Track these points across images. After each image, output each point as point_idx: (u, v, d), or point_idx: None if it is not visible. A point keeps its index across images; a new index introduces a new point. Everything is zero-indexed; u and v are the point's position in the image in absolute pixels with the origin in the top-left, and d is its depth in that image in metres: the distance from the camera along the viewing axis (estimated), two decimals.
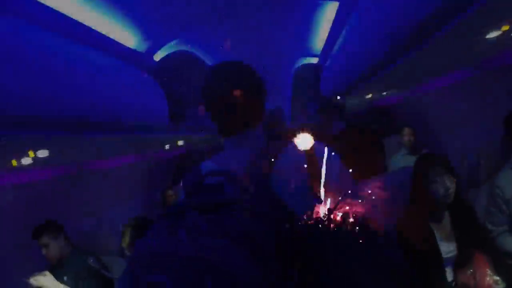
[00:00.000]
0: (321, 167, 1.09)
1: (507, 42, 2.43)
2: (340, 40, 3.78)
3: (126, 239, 2.10)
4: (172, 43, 3.77)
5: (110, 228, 4.12)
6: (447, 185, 1.86)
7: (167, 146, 4.97)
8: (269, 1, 3.42)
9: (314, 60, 5.34)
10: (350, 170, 1.19)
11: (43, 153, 2.76)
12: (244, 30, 3.85)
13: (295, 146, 1.12)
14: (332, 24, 3.93)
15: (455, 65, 2.98)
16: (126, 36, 3.57)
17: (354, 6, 3.24)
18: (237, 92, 1.15)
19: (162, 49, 3.90)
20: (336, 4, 3.41)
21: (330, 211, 0.94)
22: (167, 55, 4.00)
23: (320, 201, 1.02)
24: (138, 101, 3.35)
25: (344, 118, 2.93)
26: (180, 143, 5.06)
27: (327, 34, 4.38)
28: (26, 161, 2.56)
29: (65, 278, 2.43)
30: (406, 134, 3.93)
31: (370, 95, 3.78)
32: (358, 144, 2.52)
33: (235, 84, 1.17)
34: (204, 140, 5.73)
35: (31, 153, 2.58)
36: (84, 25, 3.09)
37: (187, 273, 0.74)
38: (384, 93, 3.76)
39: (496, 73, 2.76)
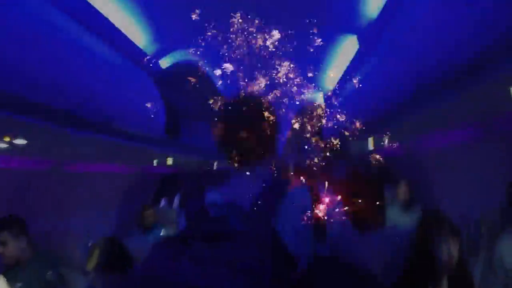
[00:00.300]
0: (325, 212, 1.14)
1: None
2: (352, 81, 3.70)
3: (92, 261, 1.83)
4: (182, 51, 3.52)
5: (78, 237, 3.85)
6: (452, 249, 1.75)
7: (155, 162, 4.70)
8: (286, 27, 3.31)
9: (321, 96, 5.26)
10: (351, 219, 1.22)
11: (21, 141, 2.48)
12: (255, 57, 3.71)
13: (302, 189, 1.18)
14: (350, 62, 3.85)
15: (467, 124, 2.93)
16: (136, 32, 3.30)
17: (372, 51, 3.18)
18: (254, 128, 1.19)
19: (170, 55, 3.64)
20: (355, 43, 3.31)
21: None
22: (174, 64, 3.70)
23: (324, 247, 1.10)
24: (134, 105, 3.04)
25: (347, 161, 2.79)
26: (170, 161, 4.78)
27: (341, 72, 4.27)
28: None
29: (18, 285, 2.11)
30: (403, 188, 3.83)
31: (373, 141, 3.68)
32: (362, 193, 2.43)
33: (254, 120, 1.21)
34: (195, 164, 5.48)
35: (6, 138, 2.31)
36: (93, 8, 2.76)
37: None
38: (388, 141, 3.66)
39: (508, 138, 2.73)
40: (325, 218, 1.14)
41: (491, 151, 2.86)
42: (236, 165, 1.23)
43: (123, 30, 3.03)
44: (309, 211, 1.11)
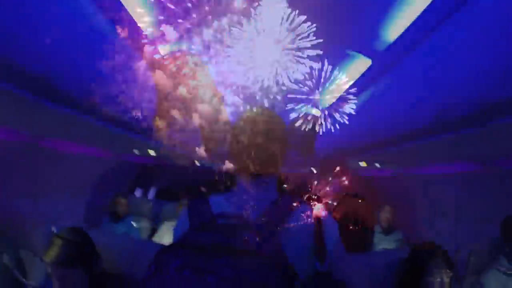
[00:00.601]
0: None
1: None
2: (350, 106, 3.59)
3: (52, 253, 1.60)
4: (180, 43, 3.22)
5: (43, 219, 3.61)
6: (444, 281, 1.70)
7: (136, 151, 4.44)
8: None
9: (316, 112, 5.08)
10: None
11: None
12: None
13: (306, 209, 1.20)
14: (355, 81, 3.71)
15: (460, 158, 2.88)
16: (140, 12, 2.80)
17: (380, 77, 3.06)
18: (269, 141, 1.25)
19: (171, 44, 3.33)
20: (368, 62, 3.17)
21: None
22: (172, 53, 3.38)
23: (323, 265, 1.14)
24: (122, 88, 2.77)
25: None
26: (151, 152, 4.53)
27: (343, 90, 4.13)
28: None
29: None
30: (387, 212, 3.75)
31: (363, 163, 3.58)
32: (356, 215, 2.36)
33: (269, 133, 1.26)
34: (177, 156, 5.24)
35: None
36: None
37: None
38: (378, 165, 3.57)
39: (500, 173, 2.68)
40: (325, 237, 1.18)
41: (484, 186, 2.82)
42: (246, 175, 1.26)
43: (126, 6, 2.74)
44: (311, 231, 1.16)
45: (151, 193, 7.38)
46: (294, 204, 1.20)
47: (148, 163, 6.09)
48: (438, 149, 2.78)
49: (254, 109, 1.34)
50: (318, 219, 1.20)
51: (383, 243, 3.84)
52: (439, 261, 1.72)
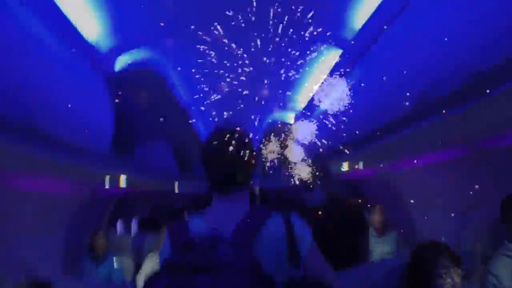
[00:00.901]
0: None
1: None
2: (327, 99, 3.45)
3: None
4: (140, 50, 2.96)
5: (10, 269, 3.29)
6: (455, 281, 1.57)
7: (106, 181, 4.13)
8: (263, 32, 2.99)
9: (291, 116, 4.90)
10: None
11: None
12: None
13: (278, 217, 1.25)
14: (327, 76, 3.56)
15: (447, 144, 2.75)
16: (89, 22, 2.59)
17: (355, 65, 2.94)
18: (235, 157, 1.29)
19: (128, 54, 3.04)
20: (338, 53, 3.04)
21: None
22: (130, 66, 3.06)
23: (298, 270, 1.19)
24: (77, 113, 2.44)
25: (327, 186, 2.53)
26: (122, 181, 4.23)
27: (315, 89, 3.98)
28: None
29: None
30: (377, 212, 3.60)
31: (346, 165, 3.42)
32: (342, 223, 2.19)
33: (234, 149, 1.30)
34: (152, 184, 4.94)
35: None
36: None
37: None
38: (361, 164, 3.42)
39: (488, 154, 2.58)
40: (297, 242, 1.22)
41: (475, 169, 2.70)
42: (218, 189, 1.34)
43: (70, 18, 2.43)
44: (284, 238, 1.21)
45: (134, 225, 6.98)
46: (267, 214, 1.25)
47: (124, 192, 5.76)
48: (422, 137, 2.65)
49: (219, 128, 1.41)
50: (289, 225, 1.24)
51: (378, 246, 3.67)
52: (446, 260, 1.59)
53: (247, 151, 1.34)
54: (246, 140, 1.36)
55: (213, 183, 1.35)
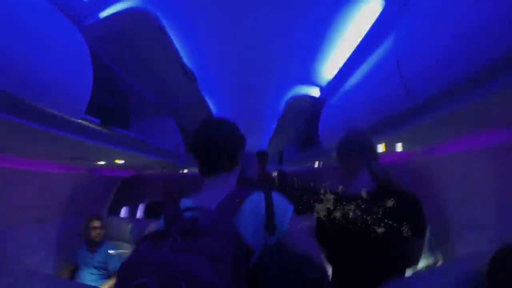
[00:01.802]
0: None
1: None
2: (357, 74, 2.88)
3: None
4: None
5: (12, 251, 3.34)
6: None
7: (101, 162, 3.67)
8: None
9: (315, 92, 4.27)
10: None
11: None
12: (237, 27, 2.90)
13: (258, 195, 1.42)
14: (353, 51, 2.96)
15: (486, 127, 2.21)
16: None
17: (385, 37, 2.37)
18: (220, 143, 1.50)
19: (116, 5, 2.47)
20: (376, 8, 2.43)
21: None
22: (117, 14, 2.43)
23: (272, 238, 1.32)
24: (56, 77, 1.86)
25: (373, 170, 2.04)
26: (119, 161, 3.74)
27: (342, 62, 3.34)
28: None
29: None
30: None
31: (382, 146, 2.89)
32: (401, 215, 1.77)
33: (220, 136, 1.51)
34: (157, 163, 4.44)
35: None
36: None
37: (167, 277, 1.04)
38: (400, 146, 2.89)
39: None
40: (276, 215, 1.36)
41: None
42: (205, 173, 1.54)
43: None
44: (263, 212, 1.37)
45: (140, 211, 6.59)
46: (248, 192, 1.43)
47: (128, 176, 5.31)
48: (461, 119, 2.09)
49: (206, 119, 1.58)
50: (269, 201, 1.38)
51: None
52: None
53: (231, 139, 1.53)
54: (231, 129, 1.55)
55: (201, 169, 1.55)
